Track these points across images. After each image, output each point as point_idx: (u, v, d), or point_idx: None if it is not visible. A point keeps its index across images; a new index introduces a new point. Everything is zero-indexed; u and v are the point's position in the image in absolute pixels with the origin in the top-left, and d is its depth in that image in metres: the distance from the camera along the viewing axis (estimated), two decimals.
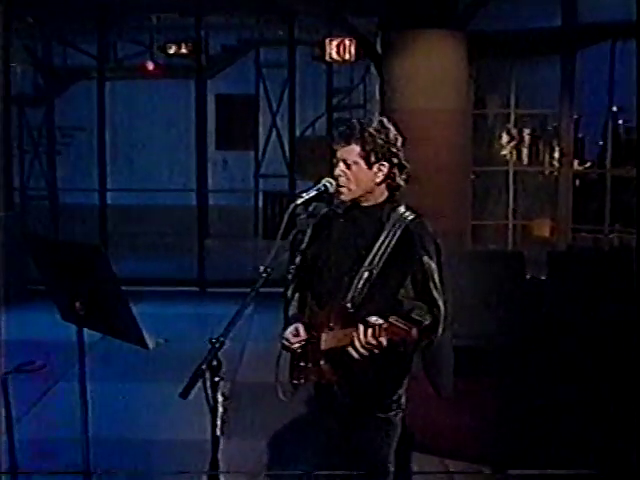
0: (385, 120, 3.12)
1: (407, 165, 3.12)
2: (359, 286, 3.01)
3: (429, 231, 3.09)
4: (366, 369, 3.02)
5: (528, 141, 10.63)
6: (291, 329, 3.13)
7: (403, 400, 3.20)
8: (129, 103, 14.73)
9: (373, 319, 2.84)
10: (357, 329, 2.86)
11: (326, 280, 3.13)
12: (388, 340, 2.80)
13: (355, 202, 3.14)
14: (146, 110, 15.17)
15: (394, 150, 3.07)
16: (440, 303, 3.02)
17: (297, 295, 3.28)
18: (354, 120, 3.11)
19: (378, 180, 3.08)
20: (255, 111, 14.75)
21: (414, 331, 2.79)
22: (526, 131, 10.63)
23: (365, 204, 3.13)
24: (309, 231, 3.26)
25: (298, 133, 12.23)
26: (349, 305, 3.01)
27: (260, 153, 14.68)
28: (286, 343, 3.14)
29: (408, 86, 8.58)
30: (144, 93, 14.83)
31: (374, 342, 2.82)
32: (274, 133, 14.30)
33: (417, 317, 2.93)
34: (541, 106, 10.50)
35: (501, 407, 4.74)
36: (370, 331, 2.82)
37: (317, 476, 3.39)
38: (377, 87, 10.25)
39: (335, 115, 12.80)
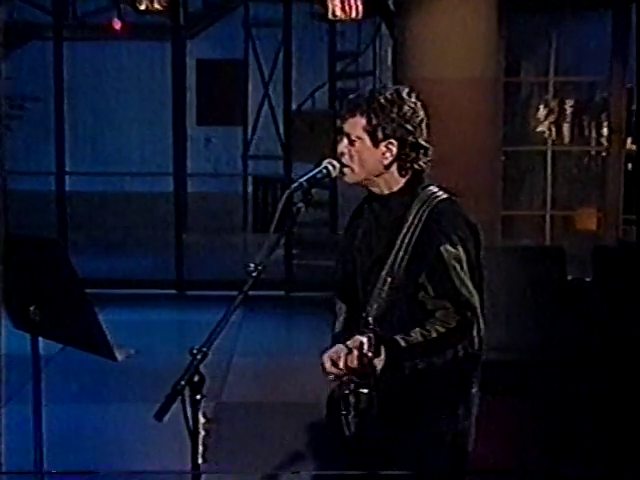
0: (404, 90, 3.10)
1: (427, 146, 3.09)
2: (382, 294, 2.99)
3: (458, 212, 3.05)
4: (402, 394, 2.99)
5: (570, 115, 10.65)
6: (331, 352, 2.99)
7: (467, 434, 3.10)
8: (92, 69, 14.74)
9: (351, 341, 2.82)
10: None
11: (357, 289, 3.14)
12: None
13: (371, 192, 3.14)
14: (113, 78, 15.18)
15: (408, 127, 3.04)
16: (473, 300, 2.96)
17: (344, 307, 3.27)
18: (366, 89, 3.12)
19: (386, 162, 3.07)
20: (244, 79, 14.76)
21: (375, 361, 2.78)
22: (568, 103, 10.65)
23: (379, 192, 3.12)
24: (345, 231, 3.27)
25: (295, 106, 12.24)
26: (370, 319, 2.98)
27: (249, 130, 14.69)
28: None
29: (426, 50, 8.58)
30: (110, 57, 14.85)
31: (359, 368, 2.80)
32: (266, 106, 14.30)
33: (436, 326, 2.91)
34: (587, 72, 10.52)
35: (534, 432, 4.78)
36: (355, 354, 2.79)
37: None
38: (389, 51, 10.28)
39: (339, 84, 12.81)
